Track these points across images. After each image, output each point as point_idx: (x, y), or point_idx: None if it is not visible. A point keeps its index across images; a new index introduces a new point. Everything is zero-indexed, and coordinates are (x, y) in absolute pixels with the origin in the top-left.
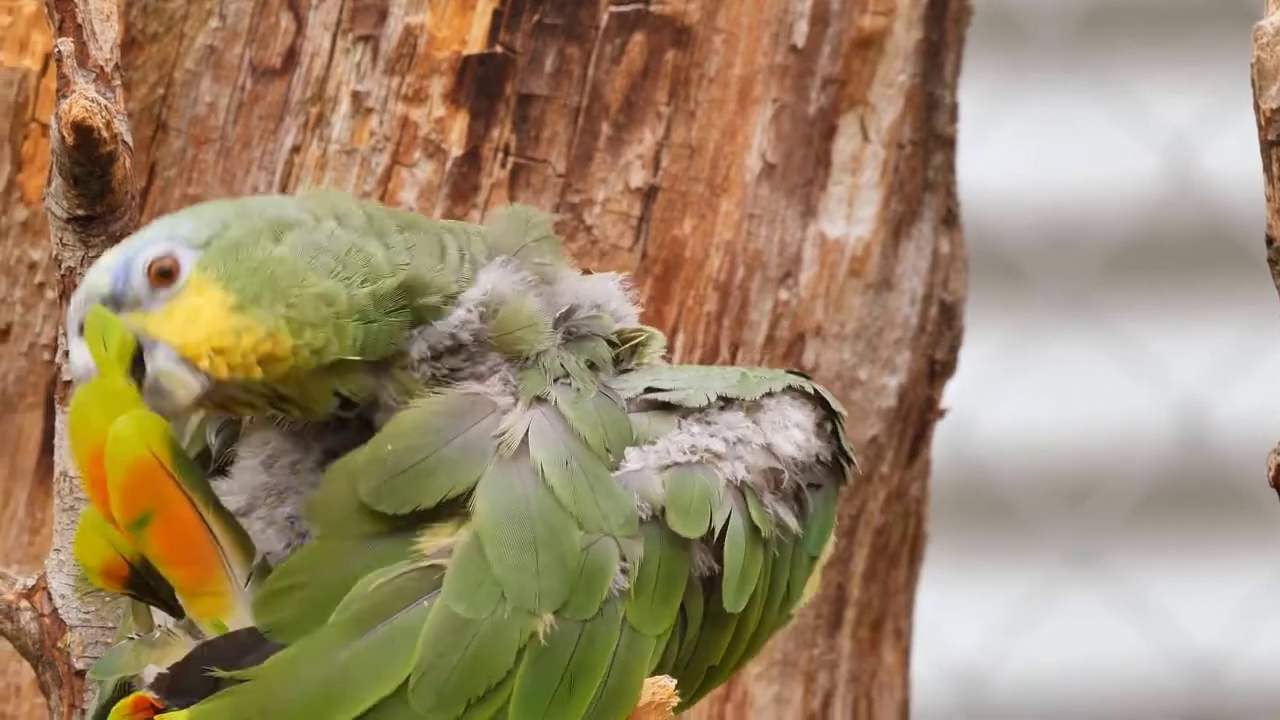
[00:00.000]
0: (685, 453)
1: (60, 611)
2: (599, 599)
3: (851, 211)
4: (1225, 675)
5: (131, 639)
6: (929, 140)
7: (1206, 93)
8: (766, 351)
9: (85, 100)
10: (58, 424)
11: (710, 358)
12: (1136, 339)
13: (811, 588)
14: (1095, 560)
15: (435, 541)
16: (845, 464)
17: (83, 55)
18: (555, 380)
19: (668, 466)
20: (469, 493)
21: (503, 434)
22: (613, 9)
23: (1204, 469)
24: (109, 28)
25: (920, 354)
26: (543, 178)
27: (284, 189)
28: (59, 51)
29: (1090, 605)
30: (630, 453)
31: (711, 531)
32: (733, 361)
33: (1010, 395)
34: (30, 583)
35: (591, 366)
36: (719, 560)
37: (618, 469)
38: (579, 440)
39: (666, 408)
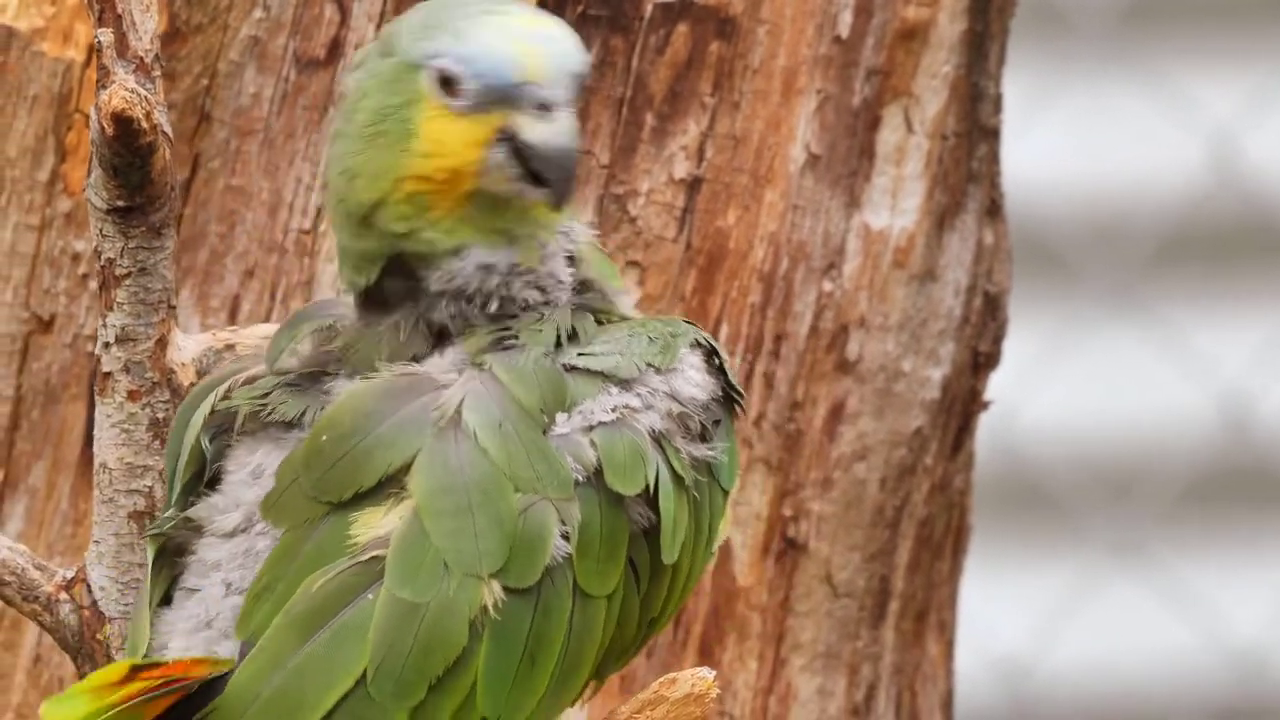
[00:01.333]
0: (608, 412)
1: (100, 604)
2: (540, 563)
3: (895, 203)
4: (1269, 666)
5: None
6: (973, 131)
7: (1250, 83)
8: (810, 343)
9: (125, 91)
10: (97, 415)
11: (754, 349)
12: (1180, 330)
13: (726, 524)
14: (1139, 551)
15: (371, 532)
16: (735, 396)
17: (122, 46)
18: (501, 344)
19: (593, 427)
20: (407, 468)
21: (440, 406)
22: (657, 0)
23: (1248, 459)
24: (149, 18)
25: (964, 345)
26: (587, 169)
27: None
28: (99, 42)
29: (1134, 596)
30: (558, 417)
31: (647, 486)
32: (777, 356)
33: (1054, 386)
34: (69, 575)
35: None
36: (655, 511)
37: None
38: (514, 404)
39: (593, 374)
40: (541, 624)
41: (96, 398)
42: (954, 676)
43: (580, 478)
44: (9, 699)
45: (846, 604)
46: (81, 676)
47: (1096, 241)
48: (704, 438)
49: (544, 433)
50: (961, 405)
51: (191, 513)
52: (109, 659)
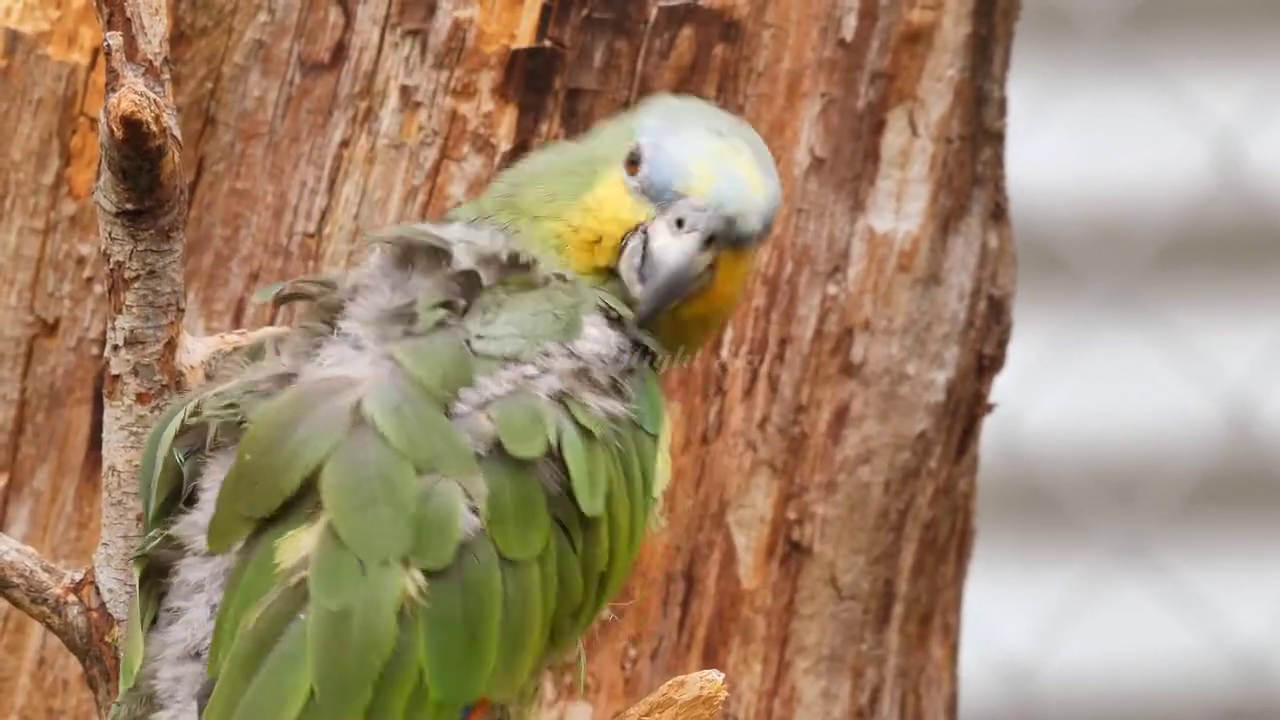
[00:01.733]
0: (504, 385)
1: (108, 606)
2: (451, 541)
3: (900, 206)
4: (1273, 669)
5: None
6: (977, 135)
7: (1254, 86)
8: (814, 346)
9: (134, 94)
10: (106, 418)
11: (758, 352)
12: (1184, 333)
13: (665, 467)
14: (1143, 554)
15: (294, 555)
16: (646, 346)
17: (131, 49)
18: (410, 326)
19: (489, 402)
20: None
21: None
22: (662, 3)
23: (1252, 462)
24: (158, 21)
25: (968, 349)
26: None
27: (332, 183)
28: (108, 45)
29: (1138, 599)
30: (463, 393)
31: (550, 445)
32: (781, 360)
33: (1058, 390)
34: (78, 577)
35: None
36: (565, 470)
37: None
38: (415, 385)
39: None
40: (472, 600)
41: (105, 400)
42: (958, 679)
43: (481, 451)
44: (13, 701)
45: (851, 607)
46: (89, 678)
47: (1100, 245)
48: (618, 390)
49: (446, 411)
50: (966, 408)
51: (173, 531)
52: (116, 661)
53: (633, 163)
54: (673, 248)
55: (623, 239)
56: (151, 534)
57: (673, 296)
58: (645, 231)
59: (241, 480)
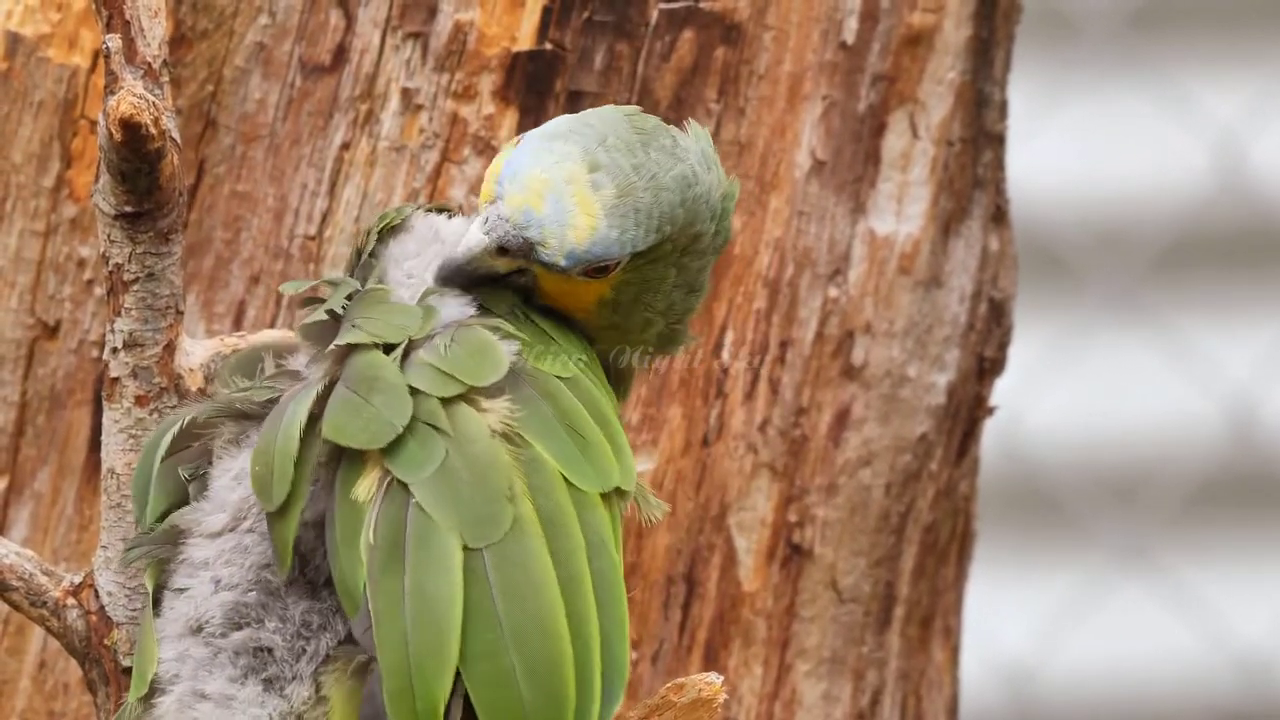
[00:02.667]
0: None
1: (107, 609)
2: (500, 362)
3: (901, 208)
4: (1274, 671)
5: None
6: (978, 137)
7: (1256, 88)
8: (816, 348)
9: (133, 97)
10: (105, 420)
11: (759, 355)
12: (1185, 335)
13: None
14: (1144, 557)
15: (369, 482)
16: None
17: (131, 52)
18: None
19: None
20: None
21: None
22: (662, 6)
23: (1253, 465)
24: (157, 24)
25: (969, 351)
26: None
27: (333, 186)
28: (107, 48)
29: (1139, 602)
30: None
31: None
32: (782, 362)
33: (1059, 392)
34: (77, 580)
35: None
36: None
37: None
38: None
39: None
40: (555, 405)
41: (104, 403)
42: (959, 682)
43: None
44: (14, 704)
45: (851, 609)
46: (88, 681)
47: (1101, 247)
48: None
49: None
50: (967, 411)
51: (175, 518)
52: (116, 664)
53: (516, 144)
54: (466, 240)
55: (482, 205)
56: (153, 532)
57: (452, 279)
58: (485, 211)
59: (260, 500)
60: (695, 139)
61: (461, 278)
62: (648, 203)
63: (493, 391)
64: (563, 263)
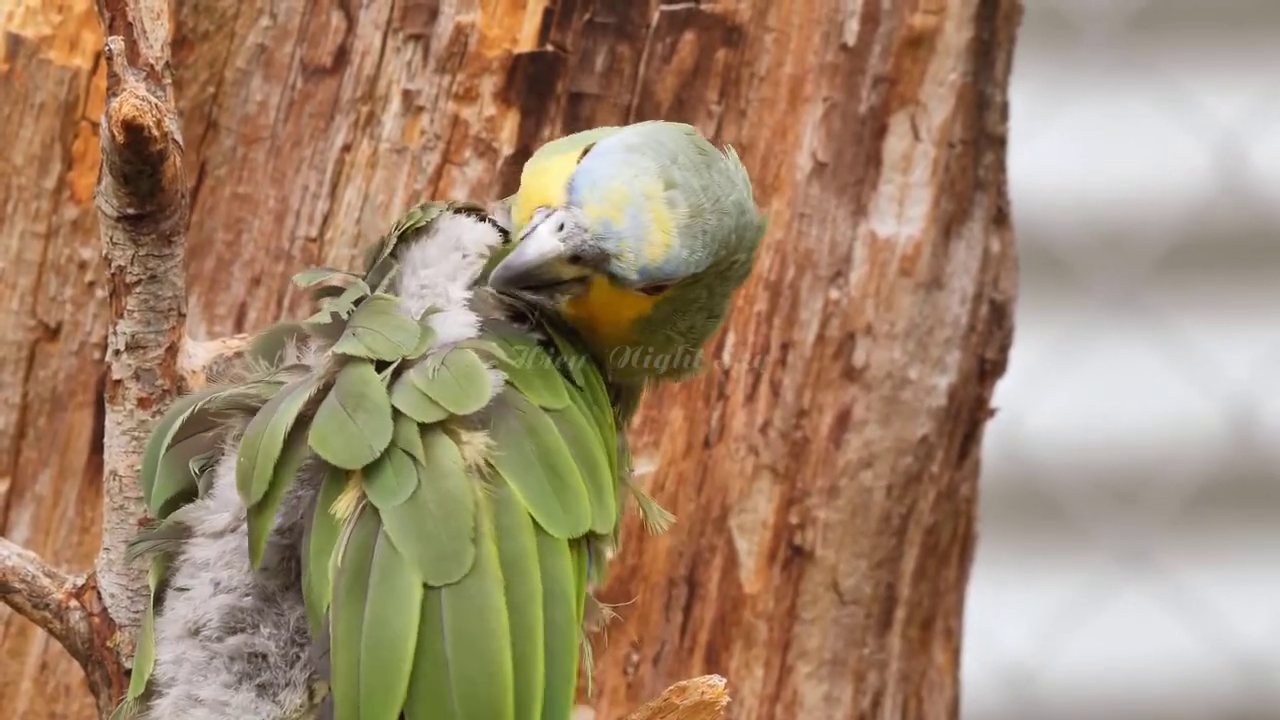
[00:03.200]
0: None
1: (110, 611)
2: (484, 390)
3: (902, 210)
4: (1275, 673)
5: None
6: (980, 139)
7: (1257, 90)
8: (817, 350)
9: (135, 99)
10: (107, 423)
11: (760, 357)
12: (1187, 337)
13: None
14: (1145, 559)
15: (347, 501)
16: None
17: (133, 53)
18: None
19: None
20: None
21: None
22: (663, 8)
23: (1254, 467)
24: (159, 26)
25: (970, 353)
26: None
27: (334, 188)
28: (109, 49)
29: (1140, 604)
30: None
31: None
32: (783, 364)
33: (1060, 394)
34: (79, 582)
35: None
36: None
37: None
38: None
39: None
40: (537, 440)
41: (107, 405)
42: (960, 684)
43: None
44: (16, 706)
45: (853, 611)
46: (91, 683)
47: (1103, 249)
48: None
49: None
50: (968, 413)
51: (181, 514)
52: (118, 666)
53: (585, 154)
54: (535, 242)
55: (536, 209)
56: (159, 527)
57: (515, 283)
58: (546, 215)
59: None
60: (736, 166)
61: (524, 281)
62: (714, 225)
63: (475, 423)
64: (634, 277)
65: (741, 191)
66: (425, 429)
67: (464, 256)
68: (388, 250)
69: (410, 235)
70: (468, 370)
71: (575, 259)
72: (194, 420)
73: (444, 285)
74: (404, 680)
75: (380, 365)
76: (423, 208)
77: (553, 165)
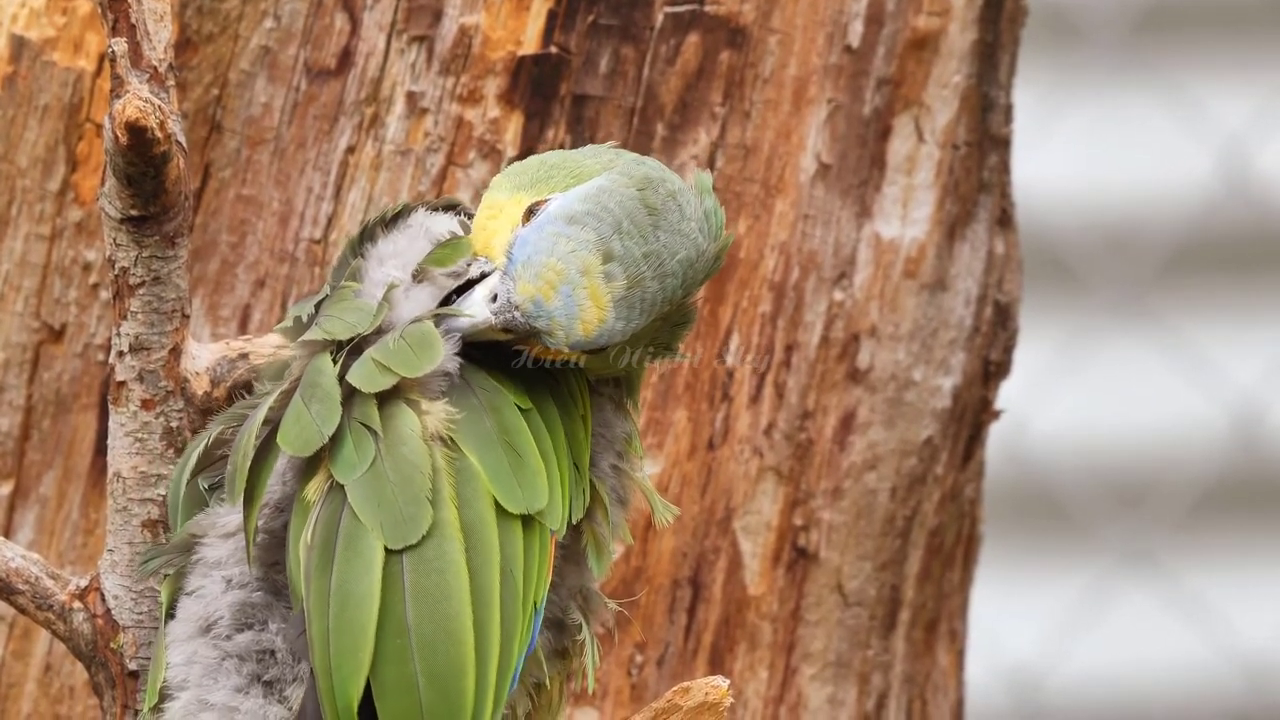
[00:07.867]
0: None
1: (113, 612)
2: (437, 352)
3: (906, 212)
4: None
5: None
6: (984, 141)
7: (1262, 94)
8: (821, 352)
9: (139, 101)
10: (111, 424)
11: (765, 358)
12: (1191, 340)
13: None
14: (1150, 561)
15: (316, 486)
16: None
17: (136, 56)
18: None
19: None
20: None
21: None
22: (668, 10)
23: (1259, 469)
24: (163, 28)
25: (975, 355)
26: None
27: (338, 190)
28: (112, 52)
29: (1145, 606)
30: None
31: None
32: (788, 366)
33: (1065, 396)
34: (83, 583)
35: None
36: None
37: None
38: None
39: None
40: (496, 418)
41: (110, 407)
42: (964, 686)
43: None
44: (20, 707)
45: (857, 613)
46: (94, 684)
47: (1107, 251)
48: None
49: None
50: (972, 415)
51: (191, 525)
52: (122, 667)
53: (530, 212)
54: (468, 311)
55: (477, 254)
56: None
57: (459, 341)
58: (484, 271)
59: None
60: (699, 191)
61: (461, 342)
62: (654, 290)
63: (435, 392)
64: (566, 349)
65: (694, 239)
66: (384, 401)
67: (429, 246)
68: (354, 246)
69: (378, 230)
70: (423, 338)
71: (507, 330)
72: (207, 452)
73: (409, 270)
74: (370, 643)
75: (340, 346)
76: (397, 205)
77: (505, 210)
